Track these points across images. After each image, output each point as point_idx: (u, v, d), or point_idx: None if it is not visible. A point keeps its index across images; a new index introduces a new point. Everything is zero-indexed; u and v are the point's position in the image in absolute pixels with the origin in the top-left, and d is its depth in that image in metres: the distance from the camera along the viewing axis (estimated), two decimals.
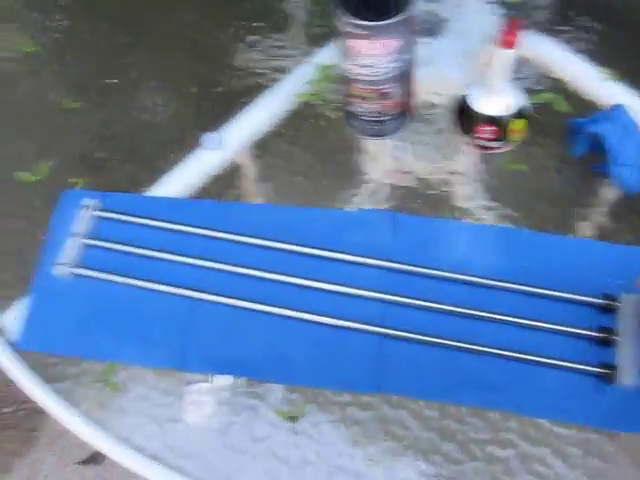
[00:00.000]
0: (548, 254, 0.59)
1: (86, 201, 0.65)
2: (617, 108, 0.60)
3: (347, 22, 0.53)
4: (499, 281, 0.57)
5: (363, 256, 0.59)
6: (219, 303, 0.59)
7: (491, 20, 0.73)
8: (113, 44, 0.77)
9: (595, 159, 0.62)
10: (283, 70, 0.72)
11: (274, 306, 0.58)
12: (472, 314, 0.56)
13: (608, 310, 0.55)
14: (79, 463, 1.23)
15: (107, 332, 0.60)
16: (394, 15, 0.52)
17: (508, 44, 0.54)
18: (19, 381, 0.60)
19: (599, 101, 0.66)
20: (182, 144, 0.69)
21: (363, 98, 0.61)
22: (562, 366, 0.53)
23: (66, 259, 0.62)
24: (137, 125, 0.71)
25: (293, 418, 0.55)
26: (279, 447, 0.55)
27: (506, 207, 0.62)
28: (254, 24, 0.76)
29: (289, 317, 0.58)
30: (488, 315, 0.56)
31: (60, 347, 0.60)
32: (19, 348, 0.60)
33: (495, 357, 0.55)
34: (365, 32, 0.53)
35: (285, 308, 0.58)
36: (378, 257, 0.59)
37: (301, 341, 0.58)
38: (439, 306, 0.56)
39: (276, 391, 0.56)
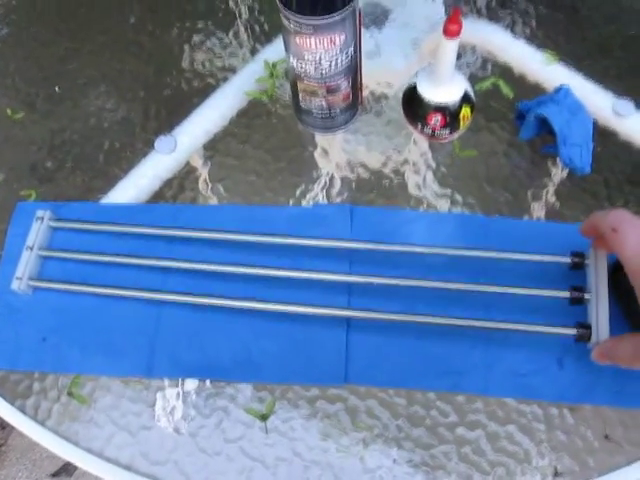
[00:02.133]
0: (505, 237, 0.60)
1: (40, 213, 0.63)
2: (561, 90, 0.62)
3: (292, 19, 0.53)
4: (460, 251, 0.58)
5: (323, 249, 0.60)
6: (183, 305, 0.59)
7: (433, 9, 0.74)
8: (56, 51, 0.75)
9: (543, 141, 0.64)
10: (231, 69, 0.72)
11: (238, 300, 0.58)
12: (439, 287, 0.56)
13: (577, 267, 0.56)
14: (51, 476, 1.21)
15: (71, 344, 0.59)
16: (339, 10, 0.52)
17: (452, 33, 0.55)
18: None
19: (543, 84, 0.68)
20: (134, 149, 0.68)
21: (311, 93, 0.61)
22: (536, 331, 0.54)
23: (23, 272, 0.61)
24: (86, 132, 0.69)
25: (264, 416, 0.56)
26: (252, 446, 0.55)
27: (459, 193, 0.63)
28: (198, 24, 0.75)
29: (254, 315, 0.58)
30: (455, 286, 0.56)
31: (23, 363, 0.59)
32: None
33: (460, 341, 0.56)
34: (310, 29, 0.53)
35: (249, 301, 0.58)
36: (337, 250, 0.60)
37: (266, 340, 0.58)
38: (403, 282, 0.56)
39: (245, 391, 0.57)
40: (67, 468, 1.20)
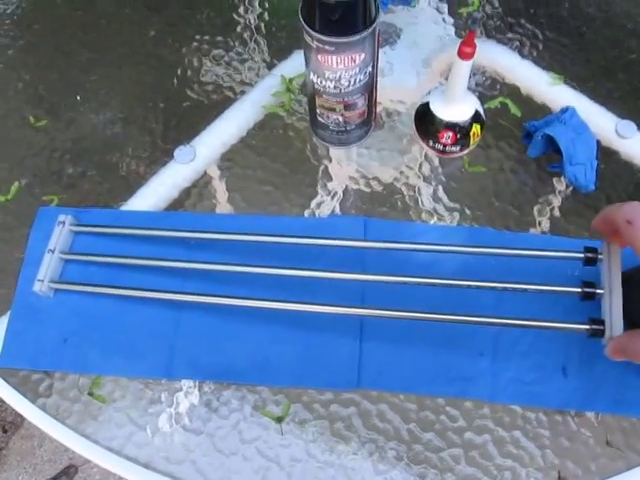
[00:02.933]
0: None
1: (62, 217, 0.65)
2: (567, 110, 0.65)
3: (314, 37, 0.56)
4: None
5: (337, 259, 0.62)
6: (201, 309, 0.61)
7: (444, 29, 0.77)
8: (77, 61, 0.77)
9: (550, 159, 0.66)
10: (248, 83, 0.75)
11: (257, 300, 0.59)
12: (451, 285, 0.57)
13: (590, 263, 0.55)
14: (51, 479, 1.22)
15: (91, 346, 0.61)
16: (361, 31, 0.55)
17: (467, 55, 0.57)
18: (4, 398, 0.61)
19: (549, 104, 0.71)
20: (154, 158, 0.70)
21: (329, 109, 0.63)
22: (549, 327, 0.54)
23: (45, 275, 0.63)
24: (108, 140, 0.72)
25: (280, 418, 0.58)
26: (268, 447, 0.57)
27: (468, 208, 0.66)
28: (216, 38, 0.78)
29: (270, 320, 0.61)
30: (466, 283, 0.56)
31: (44, 363, 0.61)
32: (1, 366, 0.61)
33: (468, 349, 0.59)
34: (332, 47, 0.56)
35: (267, 301, 0.59)
36: (351, 260, 0.62)
37: (283, 345, 0.60)
38: (413, 279, 0.57)
39: (261, 393, 0.59)
40: (67, 472, 1.21)
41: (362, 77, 0.60)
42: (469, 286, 0.56)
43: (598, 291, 0.53)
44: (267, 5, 0.80)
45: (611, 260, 0.53)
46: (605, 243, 0.54)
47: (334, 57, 0.57)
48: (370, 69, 0.60)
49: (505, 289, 0.56)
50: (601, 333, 0.51)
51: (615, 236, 0.53)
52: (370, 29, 0.55)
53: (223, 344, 0.61)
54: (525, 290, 0.56)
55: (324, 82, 0.60)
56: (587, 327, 0.51)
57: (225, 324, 0.61)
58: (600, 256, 0.53)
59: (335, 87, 0.60)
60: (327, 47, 0.56)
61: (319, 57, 0.57)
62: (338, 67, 0.58)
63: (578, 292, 0.54)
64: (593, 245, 0.55)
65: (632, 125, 0.69)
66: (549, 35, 0.76)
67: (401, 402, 0.58)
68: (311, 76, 0.61)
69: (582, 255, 0.54)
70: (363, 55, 0.57)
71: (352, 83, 0.60)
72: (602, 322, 0.51)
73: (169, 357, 0.60)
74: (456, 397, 0.58)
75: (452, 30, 0.77)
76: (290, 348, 0.60)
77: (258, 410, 0.58)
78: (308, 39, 0.57)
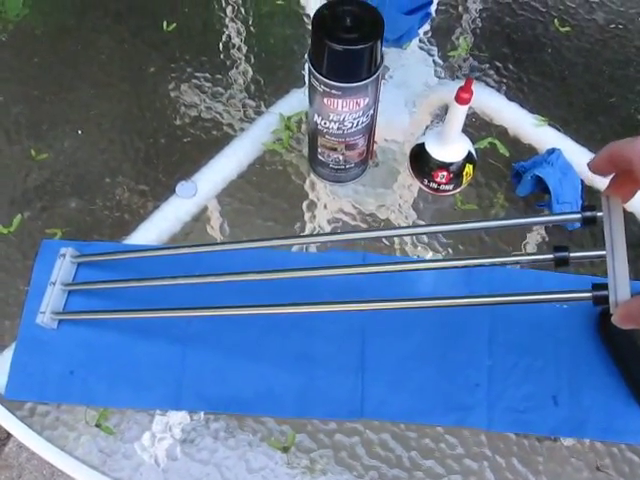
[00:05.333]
0: (505, 284, 0.66)
1: (63, 250, 0.67)
2: (553, 152, 0.69)
3: (321, 82, 0.59)
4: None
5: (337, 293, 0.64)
6: (207, 341, 0.63)
7: (433, 71, 0.81)
8: (78, 95, 0.79)
9: (537, 198, 0.70)
10: (247, 120, 0.77)
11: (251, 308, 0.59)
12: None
13: (589, 223, 0.47)
14: None
15: (98, 378, 0.63)
16: (367, 77, 0.58)
17: (464, 101, 0.61)
18: (10, 431, 0.62)
19: (535, 145, 0.75)
20: (156, 193, 0.72)
21: (331, 149, 0.66)
22: (550, 300, 0.48)
23: (49, 307, 0.64)
24: (110, 175, 0.73)
25: (285, 448, 0.60)
26: (274, 476, 0.59)
27: (461, 244, 0.69)
28: (217, 76, 0.80)
29: (274, 353, 0.63)
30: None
31: (50, 395, 0.62)
32: (7, 398, 0.62)
33: (465, 379, 0.62)
34: (339, 92, 0.59)
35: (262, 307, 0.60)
36: (351, 294, 0.65)
37: (287, 376, 0.62)
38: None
39: (267, 424, 0.61)
40: None
41: (365, 119, 0.63)
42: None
43: (599, 214, 0.45)
44: (264, 45, 0.83)
45: (612, 216, 0.45)
46: (605, 198, 0.45)
47: (340, 101, 0.60)
48: (372, 111, 0.63)
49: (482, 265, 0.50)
50: (605, 299, 0.44)
51: (621, 181, 0.45)
52: (376, 75, 0.59)
53: (229, 375, 0.62)
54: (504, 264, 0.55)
55: (328, 123, 0.63)
56: (589, 295, 0.45)
57: (230, 356, 0.63)
58: (600, 213, 0.46)
59: (338, 128, 0.63)
60: (334, 91, 0.59)
61: (325, 100, 0.60)
62: (343, 110, 0.61)
63: (579, 219, 0.47)
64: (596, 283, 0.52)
65: None
66: (534, 79, 0.80)
67: (402, 431, 0.60)
68: (315, 117, 0.64)
69: (579, 216, 0.47)
70: (367, 99, 0.60)
71: (355, 125, 0.63)
72: (605, 286, 0.44)
73: (176, 388, 0.62)
74: (454, 426, 0.61)
75: (441, 72, 0.81)
76: (294, 379, 0.62)
77: (264, 440, 0.60)
78: (315, 83, 0.60)
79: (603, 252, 0.44)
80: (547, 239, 0.69)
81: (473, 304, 0.52)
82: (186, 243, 0.69)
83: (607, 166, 0.44)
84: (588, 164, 0.45)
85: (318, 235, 0.69)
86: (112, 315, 0.63)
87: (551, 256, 0.47)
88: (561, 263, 0.47)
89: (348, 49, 0.55)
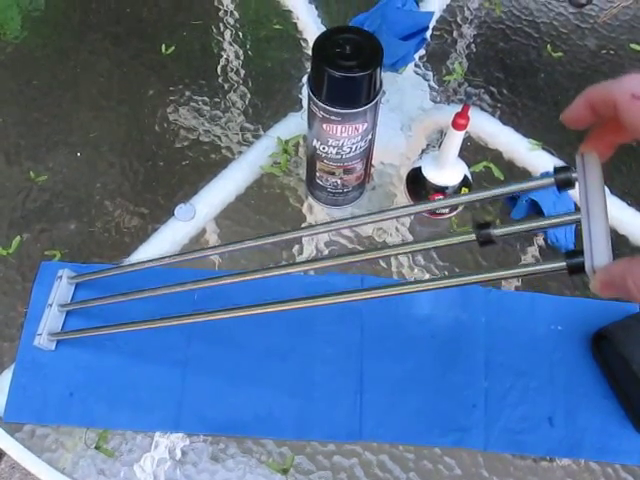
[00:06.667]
0: (500, 306, 0.67)
1: (60, 272, 0.67)
2: (547, 175, 0.70)
3: (321, 107, 0.60)
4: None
5: (337, 317, 0.65)
6: (207, 363, 0.64)
7: (428, 95, 0.82)
8: (77, 118, 0.80)
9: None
10: (245, 143, 0.78)
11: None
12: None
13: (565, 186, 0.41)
14: None
15: (98, 400, 0.63)
16: (366, 103, 0.59)
17: (461, 127, 0.62)
18: (9, 453, 0.62)
19: (529, 168, 0.76)
20: (155, 216, 0.73)
21: (329, 173, 0.67)
22: (526, 274, 0.41)
23: (46, 329, 0.64)
24: (109, 197, 0.74)
25: (284, 470, 0.60)
26: None
27: (457, 266, 0.70)
28: (215, 99, 0.81)
29: (274, 376, 0.63)
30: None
31: (50, 417, 0.62)
32: (6, 421, 0.62)
33: (462, 401, 0.62)
34: (339, 118, 0.60)
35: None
36: (349, 316, 0.66)
37: (286, 398, 0.63)
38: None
39: (266, 446, 0.61)
40: None
41: (363, 144, 0.64)
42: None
43: (573, 175, 0.40)
44: (262, 69, 0.85)
45: (588, 175, 0.40)
46: (579, 156, 0.40)
47: (339, 126, 0.61)
48: (370, 136, 0.64)
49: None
50: (581, 267, 0.38)
51: (599, 132, 0.39)
52: (375, 101, 0.60)
53: (228, 398, 0.63)
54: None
55: (326, 148, 0.64)
56: (563, 264, 0.38)
57: (230, 378, 0.63)
58: (574, 175, 0.40)
59: (337, 153, 0.64)
60: (333, 117, 0.60)
61: (324, 126, 0.61)
62: (342, 135, 0.62)
63: (552, 182, 0.41)
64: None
65: (606, 190, 0.74)
66: (527, 103, 0.81)
67: (400, 452, 0.61)
68: (314, 142, 0.64)
69: (552, 180, 0.41)
70: (366, 124, 0.61)
71: (353, 150, 0.64)
72: (580, 252, 0.38)
73: (176, 410, 0.62)
74: (452, 447, 0.61)
75: (437, 96, 0.82)
76: (293, 402, 0.63)
77: (263, 462, 0.60)
78: (314, 108, 0.61)
79: (578, 215, 0.39)
80: (540, 260, 0.70)
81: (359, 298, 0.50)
82: (184, 257, 0.69)
83: (584, 114, 0.38)
84: (561, 116, 0.39)
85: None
86: (107, 330, 0.62)
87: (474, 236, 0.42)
88: (486, 242, 0.42)
89: (348, 76, 0.56)
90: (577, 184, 0.39)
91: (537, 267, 0.40)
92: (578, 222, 0.39)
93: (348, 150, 0.64)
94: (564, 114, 0.39)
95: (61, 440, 0.61)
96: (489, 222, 0.41)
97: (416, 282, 0.45)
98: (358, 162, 0.66)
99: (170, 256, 0.60)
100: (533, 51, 0.87)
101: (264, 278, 0.67)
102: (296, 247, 0.71)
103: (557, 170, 0.41)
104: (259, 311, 0.57)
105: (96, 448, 0.61)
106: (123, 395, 0.63)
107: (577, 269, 0.38)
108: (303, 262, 0.70)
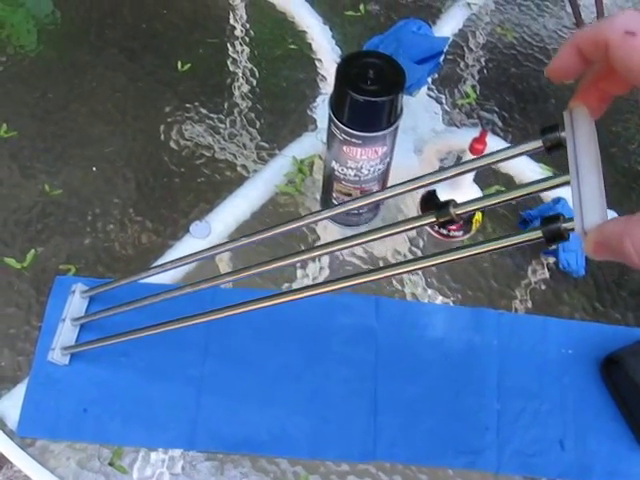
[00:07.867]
0: (512, 329, 0.68)
1: (74, 286, 0.67)
2: (559, 201, 0.71)
3: (342, 130, 0.60)
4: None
5: (352, 338, 0.66)
6: (222, 382, 0.64)
7: (441, 117, 0.83)
8: (92, 133, 0.80)
9: (544, 246, 0.72)
10: (260, 162, 0.79)
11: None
12: None
13: (554, 148, 0.38)
14: None
15: (112, 416, 0.63)
16: (388, 127, 0.60)
17: (478, 151, 0.63)
18: (22, 468, 0.61)
19: (542, 194, 0.76)
20: (170, 232, 0.73)
21: (346, 194, 0.68)
22: (505, 246, 0.38)
23: (60, 343, 0.64)
24: (124, 212, 0.74)
25: None
26: None
27: (470, 289, 0.71)
28: (231, 117, 0.82)
29: (288, 394, 0.64)
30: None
31: (63, 433, 0.62)
32: (19, 435, 0.62)
33: (475, 423, 0.63)
34: (359, 141, 0.61)
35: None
36: (364, 337, 0.66)
37: (301, 417, 0.63)
38: None
39: (280, 465, 0.61)
40: None
41: (381, 166, 0.65)
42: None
43: (562, 134, 0.37)
44: (277, 88, 0.86)
45: (578, 131, 0.36)
46: (567, 113, 0.37)
47: (359, 149, 0.61)
48: (388, 159, 0.65)
49: None
50: (558, 233, 0.34)
51: (590, 83, 0.35)
52: (395, 125, 0.61)
53: (243, 416, 0.63)
54: None
55: (345, 170, 0.65)
56: (539, 232, 0.35)
57: (245, 397, 0.64)
58: (563, 134, 0.37)
59: (355, 175, 0.65)
60: (354, 140, 0.61)
61: (344, 148, 0.62)
62: (361, 158, 0.62)
63: (540, 147, 0.38)
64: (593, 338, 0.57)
65: (615, 215, 0.75)
66: (539, 129, 0.82)
67: (414, 473, 0.61)
68: (332, 163, 0.65)
69: (539, 143, 0.38)
70: (385, 147, 0.62)
71: (371, 172, 0.65)
72: (556, 218, 0.34)
73: (191, 428, 0.62)
74: (465, 469, 0.62)
75: (449, 119, 0.83)
76: (307, 421, 0.63)
77: None
78: (335, 130, 0.61)
79: (567, 177, 0.35)
80: (554, 287, 0.71)
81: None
82: (193, 257, 0.70)
83: (573, 61, 0.33)
84: (545, 69, 0.35)
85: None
86: (118, 339, 0.61)
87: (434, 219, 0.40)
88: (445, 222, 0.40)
89: (371, 101, 0.57)
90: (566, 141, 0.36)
91: (514, 238, 0.37)
92: (570, 183, 0.34)
93: (366, 172, 0.64)
94: (549, 66, 0.34)
95: (74, 456, 0.61)
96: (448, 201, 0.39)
97: (396, 264, 0.41)
98: (375, 184, 0.67)
99: (180, 258, 0.60)
100: (544, 77, 0.87)
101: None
102: (310, 266, 0.71)
103: (544, 130, 0.37)
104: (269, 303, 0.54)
105: (110, 465, 0.61)
106: (137, 411, 0.63)
107: (554, 236, 0.34)
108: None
